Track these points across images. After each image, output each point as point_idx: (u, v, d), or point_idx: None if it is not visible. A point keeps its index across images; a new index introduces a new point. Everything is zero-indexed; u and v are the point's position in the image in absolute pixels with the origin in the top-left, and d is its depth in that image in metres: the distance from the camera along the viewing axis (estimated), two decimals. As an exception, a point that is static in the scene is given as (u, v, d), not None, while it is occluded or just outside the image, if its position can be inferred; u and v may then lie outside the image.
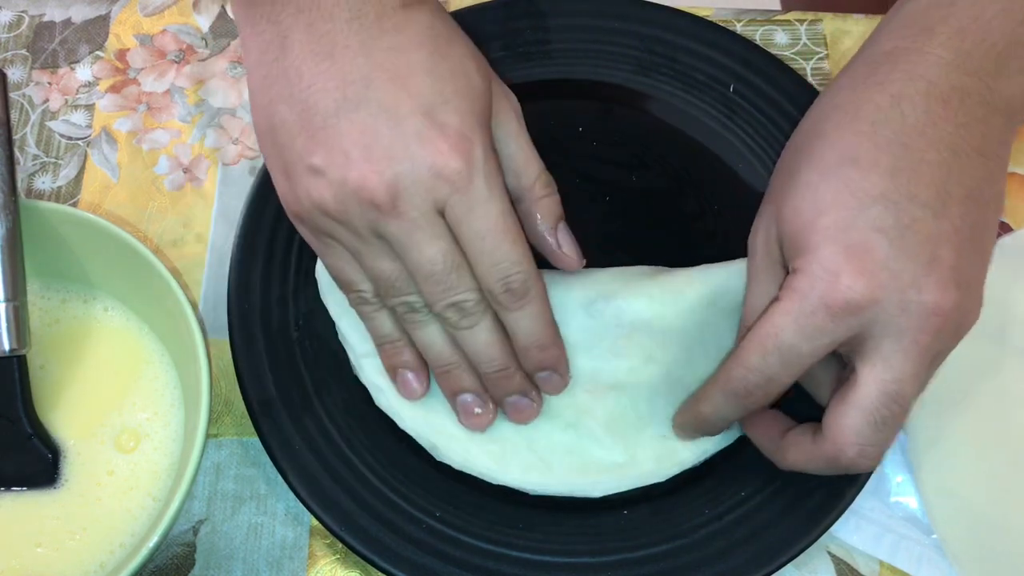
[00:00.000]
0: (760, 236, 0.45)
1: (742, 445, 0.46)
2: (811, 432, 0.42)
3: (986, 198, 0.41)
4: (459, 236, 0.40)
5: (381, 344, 0.45)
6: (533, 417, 0.45)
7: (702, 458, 0.46)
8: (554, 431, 0.45)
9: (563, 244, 0.45)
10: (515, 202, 0.44)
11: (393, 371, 0.45)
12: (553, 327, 0.44)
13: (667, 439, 0.46)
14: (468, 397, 0.45)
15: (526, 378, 0.45)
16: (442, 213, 0.40)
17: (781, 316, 0.40)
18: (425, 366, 0.45)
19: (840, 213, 0.40)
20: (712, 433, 0.45)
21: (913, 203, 0.39)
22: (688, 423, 0.45)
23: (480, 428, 0.45)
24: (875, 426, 0.39)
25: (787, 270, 0.42)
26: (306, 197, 0.40)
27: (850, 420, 0.40)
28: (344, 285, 0.44)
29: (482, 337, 0.43)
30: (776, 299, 0.41)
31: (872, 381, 0.39)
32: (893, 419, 0.39)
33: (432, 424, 0.46)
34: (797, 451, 0.42)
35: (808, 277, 0.40)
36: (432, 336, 0.43)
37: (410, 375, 0.45)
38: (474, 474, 0.45)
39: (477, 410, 0.45)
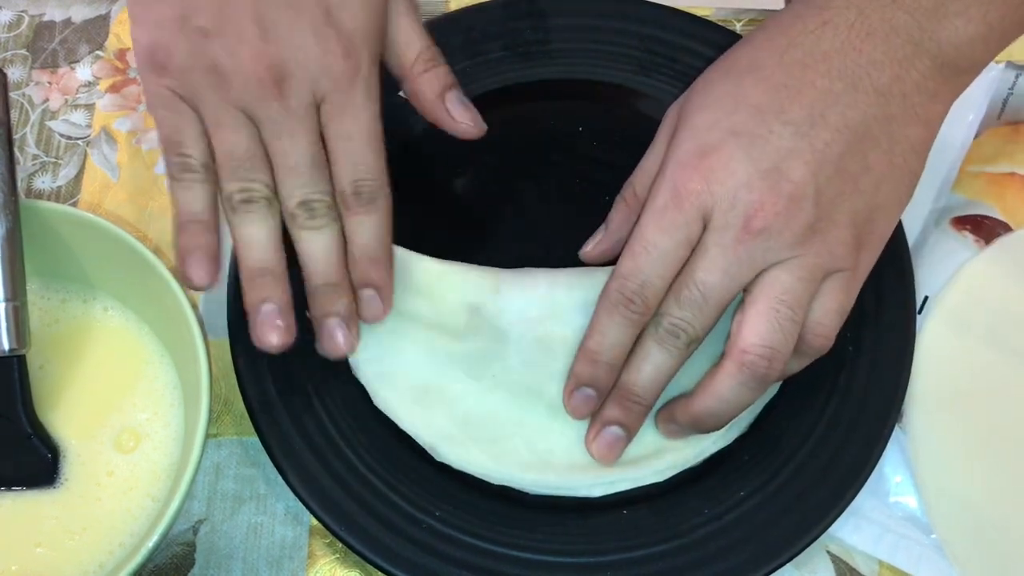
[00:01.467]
0: (672, 111, 0.46)
1: (742, 445, 0.46)
2: (713, 369, 0.43)
3: (872, 135, 0.41)
4: (326, 134, 0.41)
5: (186, 221, 0.43)
6: (343, 352, 0.44)
7: (702, 457, 0.46)
8: (554, 431, 0.45)
9: (454, 112, 0.46)
10: (402, 80, 0.45)
11: (186, 253, 0.43)
12: (388, 248, 0.44)
13: (666, 438, 0.46)
14: (271, 307, 0.43)
15: (350, 306, 0.44)
16: (318, 109, 0.41)
17: (643, 215, 0.42)
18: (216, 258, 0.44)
19: (713, 114, 0.42)
20: (606, 374, 0.44)
21: (778, 118, 0.41)
22: (580, 362, 0.44)
23: (274, 345, 0.43)
24: (679, 303, 0.42)
25: None
26: (187, 54, 0.40)
27: (749, 320, 0.41)
28: (171, 145, 0.42)
29: (322, 242, 0.43)
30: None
31: (765, 284, 0.41)
32: (692, 302, 0.41)
33: (431, 425, 0.46)
34: (705, 386, 0.42)
35: (663, 174, 0.42)
36: (261, 233, 0.42)
37: (204, 260, 0.43)
38: (473, 474, 0.45)
39: (278, 322, 0.43)
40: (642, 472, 0.45)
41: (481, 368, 0.46)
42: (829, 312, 0.42)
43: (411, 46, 0.45)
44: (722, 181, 0.41)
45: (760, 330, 0.41)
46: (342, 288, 0.44)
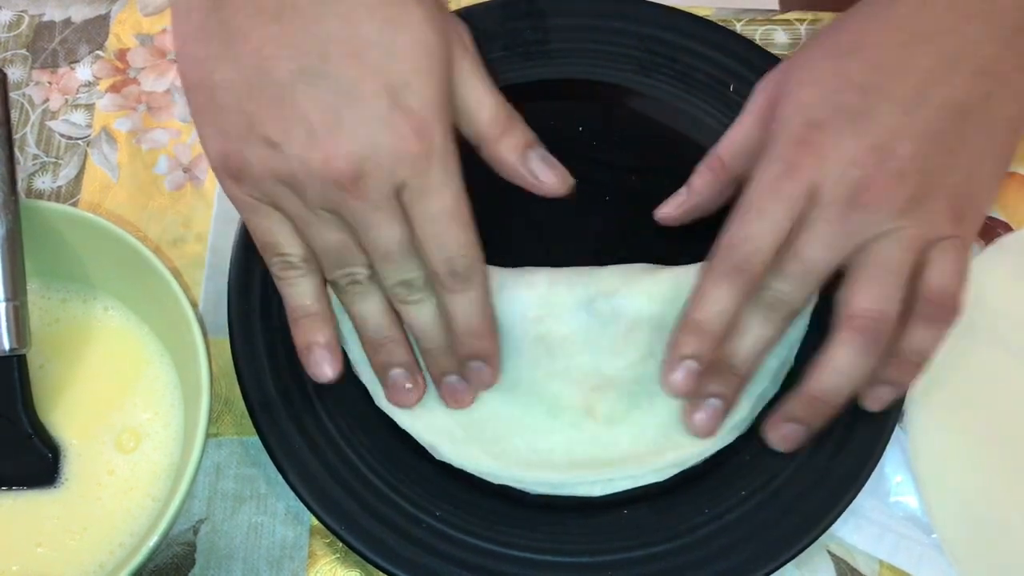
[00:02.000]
0: (770, 84, 0.47)
1: (742, 445, 0.46)
2: (827, 344, 0.43)
3: (971, 112, 0.42)
4: (412, 217, 0.41)
5: (299, 317, 0.44)
6: (467, 403, 0.46)
7: (702, 457, 0.46)
8: (554, 431, 0.45)
9: (539, 173, 0.45)
10: (479, 148, 0.44)
11: (307, 349, 0.44)
12: (490, 318, 0.44)
13: (668, 437, 0.46)
14: (399, 372, 0.45)
15: (456, 360, 0.45)
16: (398, 194, 0.41)
17: (755, 184, 0.43)
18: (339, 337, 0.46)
19: (819, 91, 0.43)
20: (711, 346, 0.44)
21: (883, 96, 0.42)
22: (686, 334, 0.44)
23: (410, 404, 0.46)
24: (781, 275, 0.42)
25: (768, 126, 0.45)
26: (259, 164, 0.40)
27: (859, 288, 0.42)
28: (268, 248, 0.43)
29: (427, 312, 0.43)
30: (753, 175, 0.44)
31: (792, 241, 0.42)
32: (794, 275, 0.42)
33: (432, 424, 0.46)
34: (823, 362, 0.43)
35: (773, 147, 0.43)
36: (372, 308, 0.44)
37: (324, 353, 0.44)
38: (474, 473, 0.45)
39: (408, 385, 0.45)
40: (642, 471, 0.45)
41: None
42: (948, 274, 0.42)
43: (482, 109, 0.43)
44: (831, 157, 0.42)
45: (869, 295, 0.42)
46: (448, 347, 0.45)
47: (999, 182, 0.45)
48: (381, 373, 0.46)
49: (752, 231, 0.43)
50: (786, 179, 0.42)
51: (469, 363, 0.45)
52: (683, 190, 0.50)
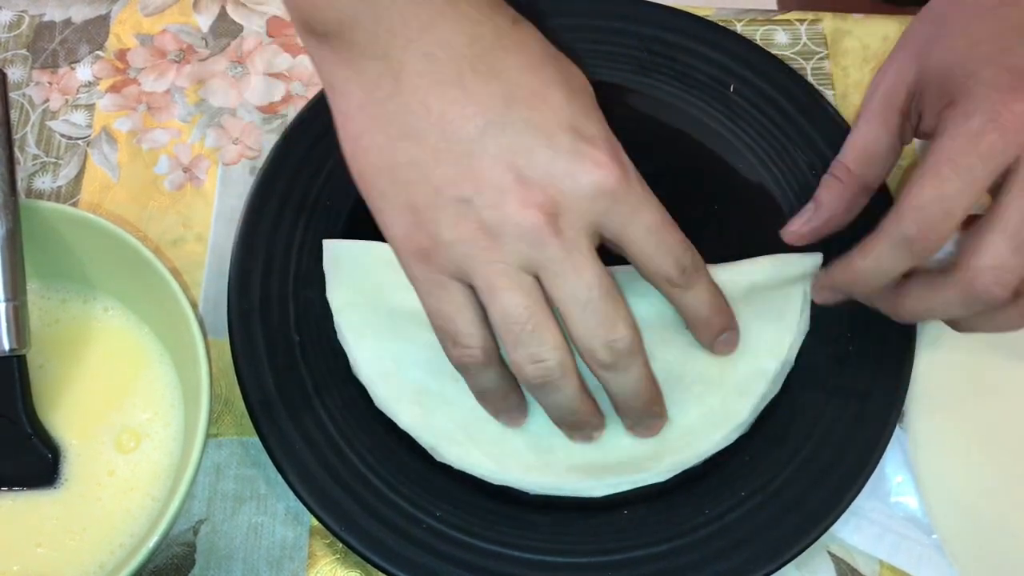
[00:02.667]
0: (887, 80, 0.44)
1: (742, 445, 0.46)
2: (937, 275, 0.40)
3: None
4: (623, 239, 0.40)
5: (492, 407, 0.44)
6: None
7: (702, 458, 0.46)
8: (555, 431, 0.45)
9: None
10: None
11: (497, 414, 0.45)
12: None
13: (668, 438, 0.46)
14: (597, 433, 0.45)
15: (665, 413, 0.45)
16: (600, 232, 0.39)
17: (950, 141, 0.39)
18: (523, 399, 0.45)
19: (998, 43, 0.40)
20: (856, 294, 0.43)
21: None
22: (839, 282, 0.43)
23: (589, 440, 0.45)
24: (1015, 249, 0.38)
25: (905, 117, 0.43)
26: (449, 228, 0.38)
27: (989, 242, 0.38)
28: (451, 337, 0.40)
29: (632, 380, 0.42)
30: (934, 135, 0.40)
31: (1017, 205, 0.38)
32: (995, 251, 0.38)
33: (431, 425, 0.46)
34: (921, 293, 0.41)
35: (973, 99, 0.39)
36: (566, 399, 0.41)
37: (517, 415, 0.45)
38: (474, 474, 0.45)
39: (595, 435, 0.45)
40: (643, 474, 0.45)
41: None
42: None
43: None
44: None
45: None
46: (661, 409, 0.45)
47: None
48: (578, 438, 0.45)
49: (946, 190, 0.39)
50: (994, 131, 0.38)
51: (647, 422, 0.45)
52: (810, 205, 0.47)
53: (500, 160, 0.38)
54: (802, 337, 0.48)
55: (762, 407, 0.47)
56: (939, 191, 0.39)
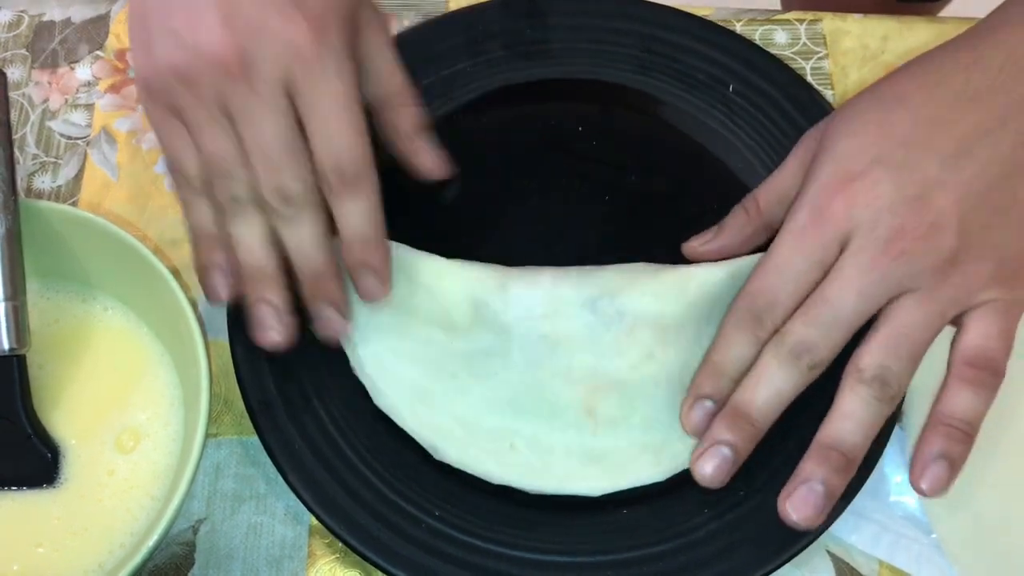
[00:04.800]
0: (812, 135, 0.47)
1: (742, 445, 0.46)
2: None
3: (1020, 170, 0.42)
4: (301, 112, 0.41)
5: (197, 238, 0.44)
6: (341, 335, 0.45)
7: None
8: (555, 430, 0.45)
9: (422, 152, 0.47)
10: (378, 110, 0.45)
11: (203, 271, 0.44)
12: (381, 224, 0.43)
13: (668, 438, 0.46)
14: (266, 309, 0.43)
15: (340, 288, 0.44)
16: (289, 93, 0.40)
17: (781, 235, 0.43)
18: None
19: (859, 141, 0.43)
20: (728, 388, 0.43)
21: (926, 150, 0.42)
22: (703, 375, 0.44)
23: (270, 345, 0.44)
24: (807, 321, 0.42)
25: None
26: (162, 61, 0.40)
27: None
28: (173, 166, 0.43)
29: (305, 231, 0.42)
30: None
31: (821, 288, 0.42)
32: (822, 322, 0.41)
33: (432, 424, 0.46)
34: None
35: (804, 195, 0.43)
36: (248, 231, 0.42)
37: (218, 276, 0.44)
38: (473, 474, 0.45)
39: (273, 324, 0.43)
40: (642, 473, 0.45)
41: (484, 366, 0.46)
42: (990, 336, 0.41)
43: (394, 77, 0.45)
44: (866, 204, 0.41)
45: (876, 353, 0.41)
46: (331, 273, 0.43)
47: None
48: (250, 307, 0.44)
49: (772, 283, 0.42)
50: (813, 228, 0.42)
51: (360, 271, 0.44)
52: (714, 228, 0.49)
53: (212, 4, 0.40)
54: None
55: None
56: (766, 283, 0.43)
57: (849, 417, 0.41)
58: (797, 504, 0.41)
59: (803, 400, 0.47)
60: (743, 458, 0.43)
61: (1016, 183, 0.42)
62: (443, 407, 0.46)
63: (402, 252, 0.47)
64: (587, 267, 0.48)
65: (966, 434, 0.42)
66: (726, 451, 0.42)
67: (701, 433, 0.44)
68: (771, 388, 0.42)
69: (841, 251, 0.42)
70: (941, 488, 0.42)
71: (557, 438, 0.46)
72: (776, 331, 0.42)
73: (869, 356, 0.41)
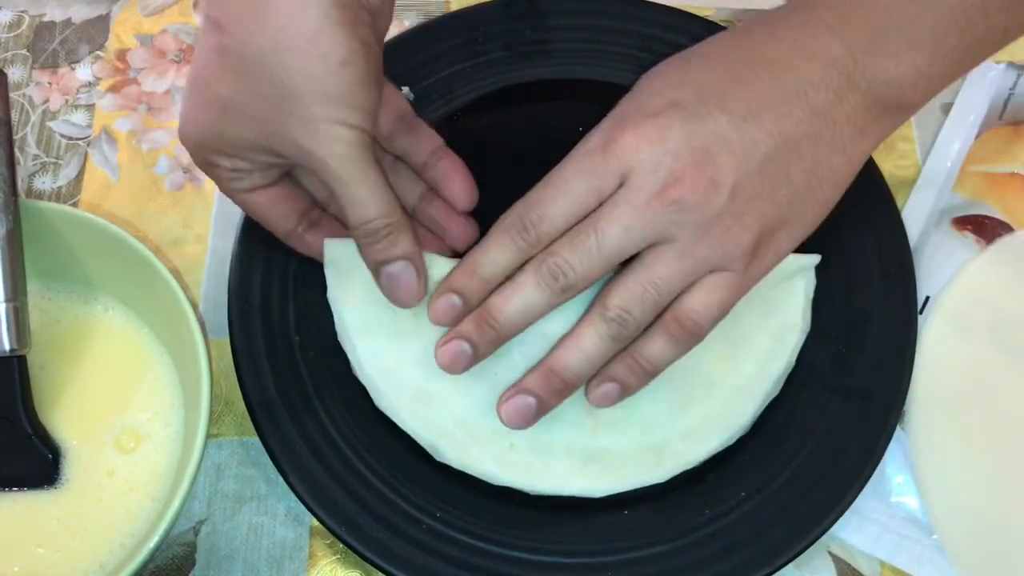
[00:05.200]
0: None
1: (743, 445, 0.46)
2: None
3: (799, 149, 0.43)
4: None
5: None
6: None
7: (703, 458, 0.46)
8: (554, 430, 0.45)
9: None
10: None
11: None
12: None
13: (668, 438, 0.46)
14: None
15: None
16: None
17: (569, 155, 0.44)
18: None
19: (659, 84, 0.44)
20: (478, 289, 0.44)
21: (718, 104, 0.42)
22: (458, 270, 0.44)
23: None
24: (571, 246, 0.42)
25: None
26: None
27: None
28: None
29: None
30: None
31: (591, 216, 0.42)
32: (585, 249, 0.42)
33: (432, 425, 0.46)
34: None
35: (600, 125, 0.44)
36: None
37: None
38: (474, 475, 0.45)
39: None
40: (643, 475, 0.45)
41: (484, 367, 0.46)
42: (709, 305, 0.43)
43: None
44: (652, 144, 0.42)
45: (625, 296, 0.42)
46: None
47: (805, 233, 0.45)
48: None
49: (547, 196, 0.43)
50: (600, 155, 0.42)
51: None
52: None
53: None
54: (803, 337, 0.48)
55: (763, 406, 0.47)
56: (543, 195, 0.43)
57: (582, 349, 0.43)
58: (510, 411, 0.44)
59: (803, 401, 0.47)
60: (480, 358, 0.44)
61: (791, 160, 0.42)
62: (443, 408, 0.46)
63: None
64: None
65: (647, 372, 0.44)
66: (467, 347, 0.43)
67: (441, 322, 0.44)
68: (523, 301, 0.43)
69: (620, 186, 0.42)
70: (605, 402, 0.44)
71: (557, 438, 0.46)
72: (539, 244, 0.43)
73: (618, 297, 0.42)
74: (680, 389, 0.46)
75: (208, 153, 0.42)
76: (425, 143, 0.48)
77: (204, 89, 0.40)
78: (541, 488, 0.45)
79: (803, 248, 0.47)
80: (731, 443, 0.46)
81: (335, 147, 0.39)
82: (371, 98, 0.40)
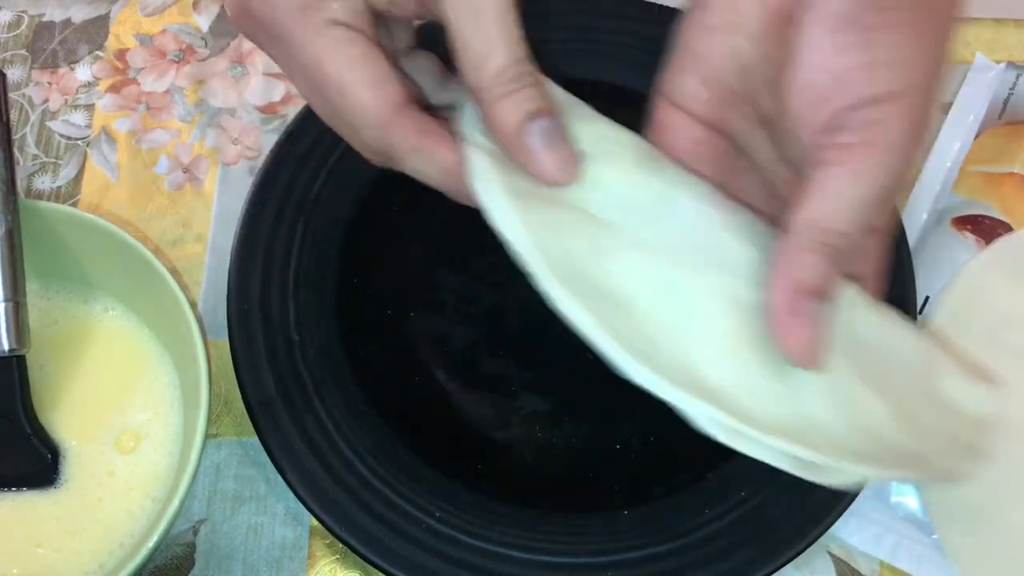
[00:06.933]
0: None
1: (742, 445, 0.46)
2: None
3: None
4: None
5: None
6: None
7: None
8: (707, 341, 0.35)
9: (535, 149, 0.37)
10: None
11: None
12: None
13: (810, 426, 0.36)
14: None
15: None
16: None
17: None
18: None
19: None
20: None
21: None
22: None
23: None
24: None
25: None
26: None
27: None
28: None
29: None
30: None
31: None
32: None
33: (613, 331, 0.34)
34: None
35: None
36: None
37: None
38: (568, 316, 0.34)
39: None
40: (764, 450, 0.36)
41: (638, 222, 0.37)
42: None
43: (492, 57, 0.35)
44: None
45: None
46: None
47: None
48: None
49: None
50: None
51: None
52: None
53: None
54: None
55: None
56: None
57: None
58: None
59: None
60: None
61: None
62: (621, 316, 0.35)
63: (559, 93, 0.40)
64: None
65: None
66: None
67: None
68: None
69: None
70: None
71: (707, 353, 0.35)
72: None
73: None
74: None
75: None
76: None
77: None
78: (717, 426, 0.34)
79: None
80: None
81: None
82: None
